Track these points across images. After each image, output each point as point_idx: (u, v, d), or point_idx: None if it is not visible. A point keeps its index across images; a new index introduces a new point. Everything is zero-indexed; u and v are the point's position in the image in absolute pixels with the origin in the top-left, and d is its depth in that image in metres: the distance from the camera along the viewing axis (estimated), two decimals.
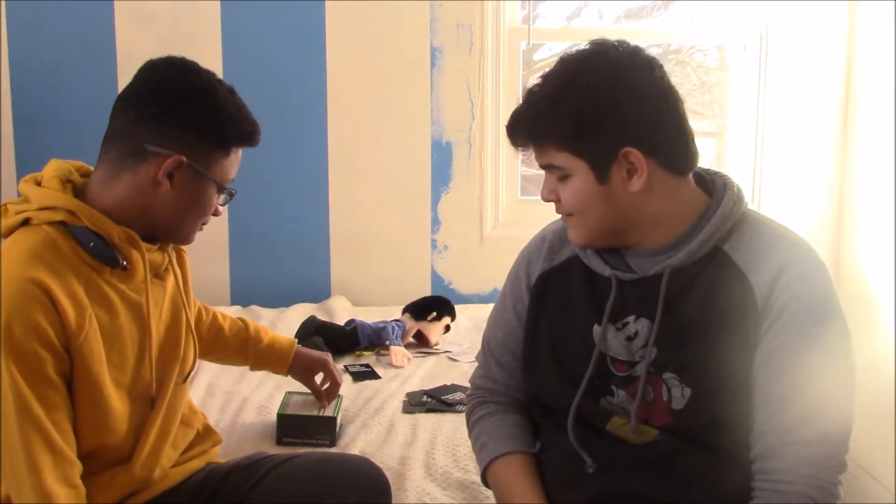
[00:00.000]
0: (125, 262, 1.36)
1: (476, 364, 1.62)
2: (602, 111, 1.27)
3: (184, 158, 1.37)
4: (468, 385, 2.22)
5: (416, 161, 3.23)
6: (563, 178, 1.32)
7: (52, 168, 1.41)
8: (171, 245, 1.51)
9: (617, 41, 1.32)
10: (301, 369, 1.97)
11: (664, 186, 1.32)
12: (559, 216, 1.47)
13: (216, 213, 1.47)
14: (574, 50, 1.34)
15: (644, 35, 3.35)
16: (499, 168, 3.27)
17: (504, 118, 3.17)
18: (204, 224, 1.48)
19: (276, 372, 1.97)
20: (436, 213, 3.27)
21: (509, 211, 3.31)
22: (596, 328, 1.36)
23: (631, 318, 1.35)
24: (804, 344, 1.26)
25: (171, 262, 1.50)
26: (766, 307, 1.27)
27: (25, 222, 1.35)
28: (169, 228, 1.43)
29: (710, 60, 3.57)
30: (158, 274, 1.47)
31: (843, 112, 3.13)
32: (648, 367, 1.31)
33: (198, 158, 1.38)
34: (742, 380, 1.28)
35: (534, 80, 1.36)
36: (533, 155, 1.37)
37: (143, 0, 3.07)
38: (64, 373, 1.29)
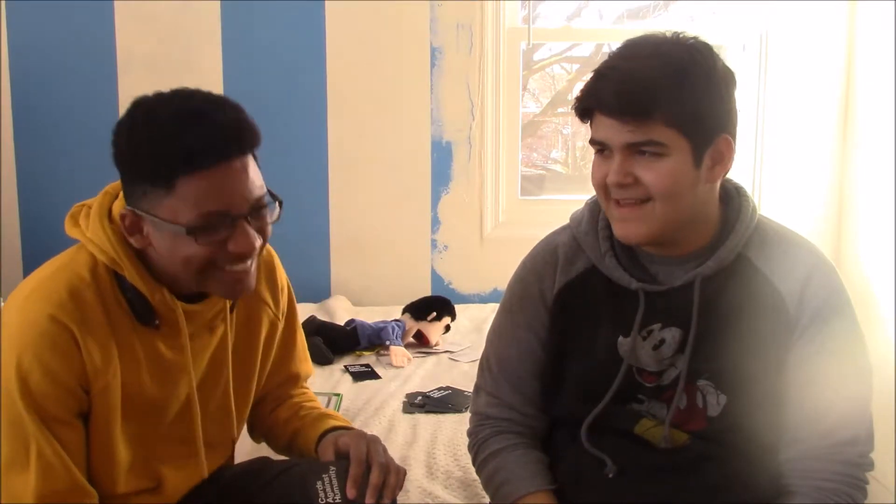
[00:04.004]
0: (157, 322, 1.30)
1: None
2: (719, 93, 1.26)
3: (127, 210, 1.23)
4: (462, 388, 2.20)
5: (416, 161, 3.23)
6: (655, 156, 1.22)
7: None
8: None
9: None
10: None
11: (716, 184, 1.32)
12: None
13: (241, 253, 1.23)
14: (662, 34, 1.28)
15: None
16: (499, 168, 3.27)
17: (504, 118, 3.23)
18: (230, 267, 1.25)
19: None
20: (436, 213, 3.27)
21: (509, 211, 3.31)
22: (621, 340, 1.34)
23: (656, 327, 1.33)
24: (835, 348, 1.29)
25: (226, 316, 1.38)
26: (797, 315, 1.29)
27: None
28: (179, 281, 1.28)
29: None
30: (209, 326, 1.37)
31: (843, 112, 3.13)
32: (684, 374, 1.31)
33: (142, 203, 1.21)
34: (774, 385, 1.30)
35: (627, 50, 1.27)
36: (607, 127, 1.25)
37: (143, 0, 3.07)
38: (82, 412, 1.26)
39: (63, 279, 1.25)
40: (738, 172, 3.15)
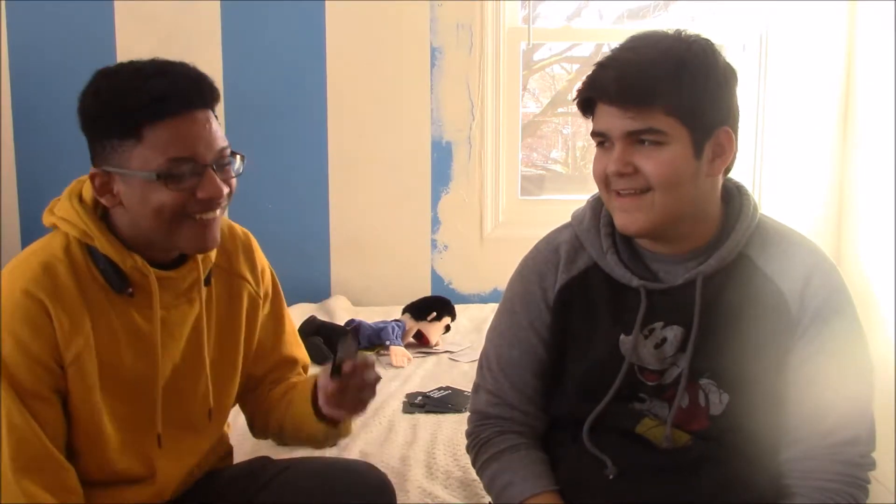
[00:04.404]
0: (131, 290, 1.33)
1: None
2: (720, 86, 1.27)
3: (97, 170, 1.29)
4: (462, 388, 2.17)
5: (416, 161, 3.23)
6: (655, 145, 1.23)
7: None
8: (216, 267, 1.44)
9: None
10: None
11: (718, 180, 1.32)
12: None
13: (210, 198, 1.28)
14: (665, 31, 1.29)
15: None
16: (499, 168, 3.27)
17: (504, 118, 3.23)
18: (199, 215, 1.30)
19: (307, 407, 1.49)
20: (436, 213, 3.27)
21: (509, 211, 3.31)
22: (623, 338, 1.34)
23: (658, 325, 1.33)
24: (836, 348, 1.29)
25: (200, 285, 1.40)
26: (799, 313, 1.29)
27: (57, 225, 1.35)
28: (160, 240, 1.32)
29: None
30: (186, 297, 1.39)
31: (843, 112, 3.13)
32: (686, 373, 1.31)
33: (111, 160, 1.27)
34: (775, 384, 1.30)
35: (629, 43, 1.28)
36: (607, 116, 1.25)
37: (143, 0, 3.07)
38: (59, 388, 1.29)
39: (37, 258, 1.30)
40: (739, 172, 3.14)
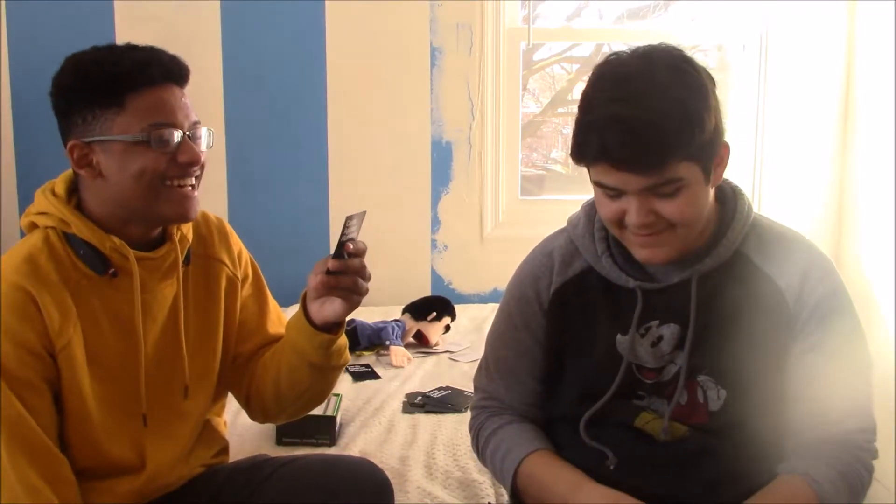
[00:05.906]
0: (114, 270, 1.35)
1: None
2: (716, 111, 1.24)
3: (77, 141, 1.32)
4: (462, 388, 2.16)
5: (416, 161, 3.23)
6: (675, 192, 1.21)
7: (66, 174, 1.41)
8: (193, 248, 1.46)
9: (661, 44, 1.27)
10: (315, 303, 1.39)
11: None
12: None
13: (190, 162, 1.33)
14: (639, 49, 1.24)
15: (644, 35, 3.35)
16: (499, 168, 3.27)
17: (504, 118, 3.23)
18: (177, 182, 1.33)
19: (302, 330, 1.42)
20: (436, 213, 3.27)
21: (509, 211, 3.31)
22: (620, 337, 1.35)
23: (654, 324, 1.34)
24: (835, 342, 1.30)
25: (178, 266, 1.42)
26: (797, 309, 1.30)
27: (35, 224, 1.38)
28: (140, 210, 1.34)
29: (710, 60, 3.56)
30: (166, 278, 1.41)
31: (843, 112, 3.13)
32: (684, 370, 1.31)
33: (92, 130, 1.31)
34: (774, 380, 1.31)
35: (618, 92, 1.20)
36: (595, 171, 1.22)
37: (143, 0, 3.07)
38: (49, 378, 1.30)
39: (19, 253, 1.34)
40: (739, 172, 3.15)
